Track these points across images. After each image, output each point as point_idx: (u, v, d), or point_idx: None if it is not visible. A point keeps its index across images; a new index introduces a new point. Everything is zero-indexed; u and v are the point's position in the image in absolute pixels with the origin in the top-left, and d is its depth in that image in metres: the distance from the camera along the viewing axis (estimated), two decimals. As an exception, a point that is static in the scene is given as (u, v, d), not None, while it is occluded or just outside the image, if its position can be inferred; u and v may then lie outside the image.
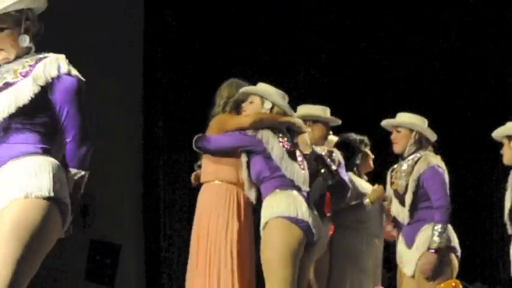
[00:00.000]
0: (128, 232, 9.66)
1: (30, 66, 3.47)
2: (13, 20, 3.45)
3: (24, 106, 3.38)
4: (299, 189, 5.30)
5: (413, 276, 5.53)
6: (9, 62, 3.48)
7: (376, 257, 6.16)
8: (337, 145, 6.25)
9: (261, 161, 5.32)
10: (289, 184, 5.27)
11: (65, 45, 9.64)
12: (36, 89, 3.41)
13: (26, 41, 3.50)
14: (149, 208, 9.54)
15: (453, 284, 4.86)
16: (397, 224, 5.82)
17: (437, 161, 5.70)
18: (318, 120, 5.92)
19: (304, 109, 5.97)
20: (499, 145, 5.71)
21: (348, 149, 6.21)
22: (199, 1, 9.66)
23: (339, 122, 6.01)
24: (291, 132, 5.50)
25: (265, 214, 5.25)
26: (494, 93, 9.32)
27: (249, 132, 5.36)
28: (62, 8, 10.21)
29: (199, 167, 5.81)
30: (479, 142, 9.26)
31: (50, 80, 3.47)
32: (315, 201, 5.62)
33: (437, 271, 5.39)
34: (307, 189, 5.36)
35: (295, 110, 5.86)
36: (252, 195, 5.42)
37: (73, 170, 3.69)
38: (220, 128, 5.57)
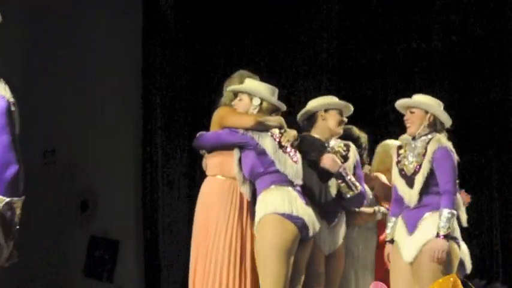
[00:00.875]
0: (127, 228, 9.66)
1: None
2: None
3: None
4: (292, 184, 5.29)
5: (411, 264, 5.43)
6: None
7: (370, 248, 6.15)
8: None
9: (253, 156, 5.33)
10: (284, 179, 5.29)
11: (64, 39, 9.70)
12: None
13: None
14: (148, 203, 9.53)
15: (451, 279, 4.84)
16: (397, 206, 5.66)
17: (449, 144, 5.57)
18: (328, 108, 5.84)
19: (311, 102, 5.94)
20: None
21: (356, 145, 6.16)
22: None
23: (351, 108, 5.92)
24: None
25: (260, 210, 5.26)
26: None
27: (241, 130, 5.36)
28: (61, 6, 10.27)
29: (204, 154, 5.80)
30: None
31: None
32: (326, 202, 5.60)
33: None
34: (300, 182, 5.35)
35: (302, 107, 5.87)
36: (246, 191, 5.41)
37: None
38: (219, 122, 5.56)
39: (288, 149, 5.38)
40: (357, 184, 5.60)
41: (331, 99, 5.90)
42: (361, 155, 6.08)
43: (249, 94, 5.49)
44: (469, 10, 9.06)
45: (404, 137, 5.74)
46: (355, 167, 5.77)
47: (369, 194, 6.03)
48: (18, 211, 3.39)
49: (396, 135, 6.08)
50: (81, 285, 9.84)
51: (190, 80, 9.70)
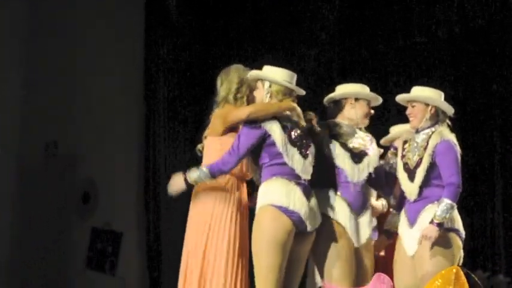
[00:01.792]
0: (129, 220, 9.66)
1: None
2: None
3: None
4: (298, 178, 5.27)
5: (412, 257, 5.41)
6: None
7: None
8: None
9: (261, 147, 5.31)
10: (288, 172, 5.25)
11: (66, 33, 9.69)
12: None
13: None
14: (151, 195, 9.52)
15: (454, 271, 4.82)
16: (401, 200, 5.63)
17: (452, 137, 5.55)
18: (359, 97, 5.77)
19: (342, 88, 5.85)
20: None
21: None
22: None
23: (380, 101, 5.86)
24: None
25: (259, 200, 5.26)
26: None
27: (253, 125, 5.33)
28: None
29: (200, 151, 5.75)
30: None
31: None
32: (357, 183, 5.59)
33: (438, 251, 5.28)
34: (307, 177, 5.32)
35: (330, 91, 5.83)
36: (257, 180, 5.43)
37: None
38: (223, 122, 5.52)
39: (299, 143, 5.34)
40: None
41: (363, 88, 5.81)
42: None
43: (261, 80, 5.46)
44: (471, 2, 9.04)
45: (405, 128, 5.73)
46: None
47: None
48: None
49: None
50: (83, 277, 9.84)
51: (193, 72, 9.68)
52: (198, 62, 9.65)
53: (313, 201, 5.30)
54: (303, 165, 5.29)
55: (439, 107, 5.54)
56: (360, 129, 5.70)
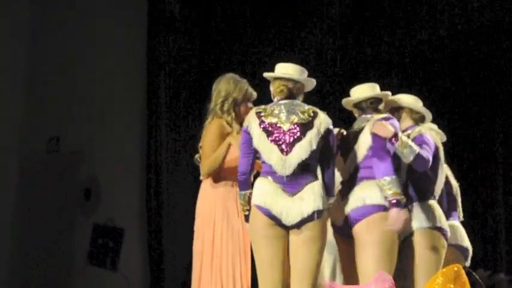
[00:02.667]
0: (131, 216, 9.66)
1: None
2: None
3: None
4: (281, 175, 5.28)
5: None
6: None
7: None
8: None
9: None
10: (269, 170, 5.31)
11: (69, 28, 9.68)
12: None
13: None
14: (152, 191, 9.53)
15: (455, 269, 4.83)
16: None
17: (430, 132, 5.63)
18: (413, 109, 5.80)
19: (404, 97, 5.84)
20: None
21: None
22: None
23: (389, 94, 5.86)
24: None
25: None
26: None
27: (243, 128, 5.41)
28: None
29: (198, 161, 5.79)
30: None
31: None
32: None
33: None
34: (286, 173, 5.27)
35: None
36: None
37: None
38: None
39: (281, 140, 5.31)
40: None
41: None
42: None
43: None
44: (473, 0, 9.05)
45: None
46: None
47: None
48: None
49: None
50: (85, 273, 9.85)
51: (195, 70, 9.69)
52: (200, 60, 9.66)
53: (302, 195, 5.27)
54: (281, 162, 5.27)
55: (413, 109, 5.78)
56: None
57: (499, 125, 9.24)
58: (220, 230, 5.55)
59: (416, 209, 5.49)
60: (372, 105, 5.59)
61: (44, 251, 10.02)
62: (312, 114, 5.31)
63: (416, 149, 5.34)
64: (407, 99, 5.79)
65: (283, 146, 5.27)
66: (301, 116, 5.31)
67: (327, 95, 8.40)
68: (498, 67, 9.17)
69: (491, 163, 9.23)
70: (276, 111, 5.34)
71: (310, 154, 5.25)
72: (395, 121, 5.50)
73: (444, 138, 5.88)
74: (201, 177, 5.71)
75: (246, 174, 5.38)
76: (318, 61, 9.27)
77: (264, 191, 5.29)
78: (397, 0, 9.32)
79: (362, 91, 5.62)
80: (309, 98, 5.58)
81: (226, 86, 5.71)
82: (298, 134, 5.28)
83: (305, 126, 5.28)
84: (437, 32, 9.20)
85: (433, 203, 5.55)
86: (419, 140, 5.47)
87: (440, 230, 5.49)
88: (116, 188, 9.77)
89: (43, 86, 10.35)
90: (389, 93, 5.68)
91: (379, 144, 5.37)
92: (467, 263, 5.65)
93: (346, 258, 5.50)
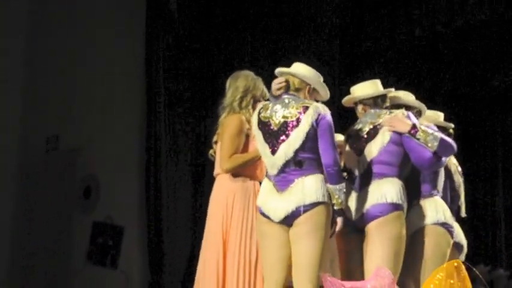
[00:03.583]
0: (130, 214, 9.67)
1: None
2: None
3: None
4: (273, 174, 5.29)
5: None
6: None
7: None
8: None
9: None
10: (267, 172, 5.35)
11: (68, 27, 9.67)
12: None
13: None
14: (152, 189, 9.54)
15: (455, 264, 4.83)
16: None
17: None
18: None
19: (410, 96, 5.83)
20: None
21: None
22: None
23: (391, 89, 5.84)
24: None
25: None
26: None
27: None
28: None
29: (213, 156, 5.78)
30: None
31: None
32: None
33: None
34: (274, 172, 5.24)
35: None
36: None
37: None
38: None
39: (271, 140, 5.31)
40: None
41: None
42: None
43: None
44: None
45: None
46: None
47: None
48: None
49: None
50: (84, 271, 9.85)
51: (194, 67, 9.70)
52: (199, 60, 9.68)
53: (291, 191, 5.23)
54: (270, 161, 5.27)
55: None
56: None
57: (499, 120, 9.26)
58: (241, 223, 5.55)
59: (422, 205, 5.48)
60: (381, 102, 5.54)
61: (43, 250, 10.03)
62: (300, 110, 5.24)
63: (438, 134, 5.29)
64: (400, 95, 5.75)
65: (272, 145, 5.27)
66: (291, 112, 5.26)
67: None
68: (497, 62, 9.19)
69: (491, 158, 9.24)
70: (272, 108, 5.32)
71: (297, 151, 5.20)
72: (410, 114, 5.44)
73: (451, 125, 5.89)
74: (219, 172, 5.66)
75: None
76: (318, 61, 9.28)
77: (262, 190, 5.33)
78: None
79: (366, 88, 5.56)
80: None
81: (245, 83, 5.68)
82: (286, 132, 5.24)
83: (292, 124, 5.24)
84: (434, 29, 9.22)
85: (438, 198, 5.55)
86: (433, 129, 5.45)
87: (445, 225, 5.48)
88: (115, 186, 9.78)
89: (42, 85, 10.36)
90: (392, 89, 5.65)
91: (397, 139, 5.35)
92: (462, 259, 5.62)
93: (347, 252, 5.44)
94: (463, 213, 5.96)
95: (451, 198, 5.77)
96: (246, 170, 5.59)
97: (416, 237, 5.45)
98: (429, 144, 5.26)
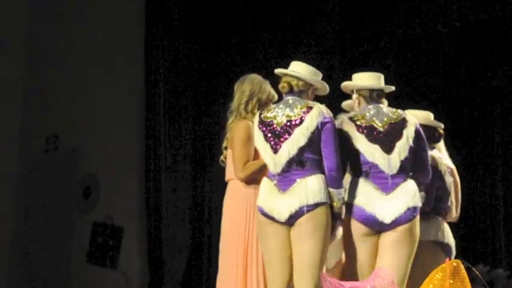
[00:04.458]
0: (130, 214, 9.67)
1: None
2: None
3: None
4: (275, 173, 5.31)
5: None
6: None
7: None
8: None
9: None
10: (269, 172, 5.37)
11: (67, 27, 9.65)
12: None
13: None
14: (152, 190, 9.53)
15: (455, 264, 4.84)
16: None
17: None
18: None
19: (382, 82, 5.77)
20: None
21: None
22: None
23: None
24: None
25: None
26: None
27: None
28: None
29: (224, 162, 5.79)
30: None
31: None
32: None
33: None
34: (277, 171, 5.27)
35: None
36: None
37: None
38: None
39: (272, 139, 5.32)
40: None
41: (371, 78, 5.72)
42: None
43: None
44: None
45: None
46: None
47: None
48: None
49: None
50: (85, 271, 9.86)
51: (193, 67, 9.69)
52: (199, 60, 9.67)
53: (294, 191, 5.25)
54: (272, 160, 5.29)
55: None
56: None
57: (498, 119, 9.25)
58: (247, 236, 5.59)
59: None
60: (376, 96, 5.52)
61: (43, 250, 10.02)
62: (304, 110, 5.28)
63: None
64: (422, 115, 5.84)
65: (273, 144, 5.29)
66: (295, 112, 5.29)
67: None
68: (496, 61, 9.19)
69: (490, 158, 9.24)
70: (275, 109, 5.35)
71: (300, 151, 5.23)
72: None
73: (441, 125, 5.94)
74: (232, 177, 5.67)
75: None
76: (319, 60, 9.28)
77: (262, 190, 5.34)
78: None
79: (366, 79, 5.55)
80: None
81: (250, 86, 5.70)
82: (289, 131, 5.27)
83: (295, 123, 5.26)
84: (434, 27, 9.22)
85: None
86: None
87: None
88: (115, 186, 9.78)
89: (42, 85, 10.36)
90: (393, 87, 5.63)
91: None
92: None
93: (358, 254, 5.38)
94: (454, 214, 5.96)
95: (439, 198, 5.78)
96: (260, 175, 5.58)
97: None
98: None
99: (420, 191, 5.39)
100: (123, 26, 9.85)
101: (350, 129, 5.41)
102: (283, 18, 9.47)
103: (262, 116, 5.37)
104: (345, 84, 5.61)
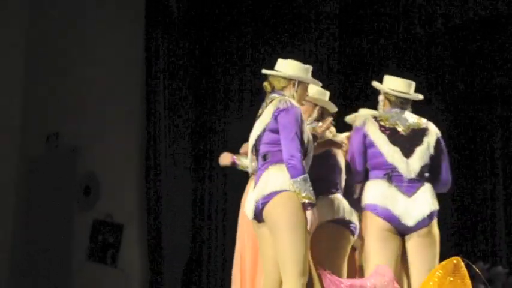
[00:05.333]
0: (130, 212, 9.68)
1: None
2: None
3: None
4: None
5: None
6: None
7: None
8: None
9: None
10: None
11: (68, 24, 9.67)
12: None
13: None
14: (151, 188, 9.54)
15: (455, 262, 4.85)
16: None
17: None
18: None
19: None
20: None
21: None
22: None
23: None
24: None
25: None
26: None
27: None
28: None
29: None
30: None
31: None
32: None
33: None
34: (254, 167, 5.30)
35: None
36: None
37: None
38: None
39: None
40: None
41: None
42: None
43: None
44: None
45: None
46: None
47: None
48: None
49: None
50: (85, 268, 9.87)
51: (193, 66, 9.71)
52: (199, 59, 9.69)
53: (256, 187, 5.22)
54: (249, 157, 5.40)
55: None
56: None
57: (498, 119, 9.26)
58: None
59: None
60: (403, 102, 5.55)
61: (43, 248, 10.03)
62: (267, 106, 5.25)
63: None
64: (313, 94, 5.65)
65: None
66: (264, 109, 5.27)
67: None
68: (497, 59, 9.19)
69: (490, 156, 9.25)
70: (260, 109, 5.33)
71: (258, 142, 5.20)
72: None
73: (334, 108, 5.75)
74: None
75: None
76: (316, 59, 9.29)
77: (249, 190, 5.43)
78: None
79: (398, 85, 5.58)
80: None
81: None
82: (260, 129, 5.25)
83: (261, 120, 5.24)
84: (435, 26, 9.22)
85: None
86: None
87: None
88: (115, 184, 9.79)
89: (42, 83, 10.36)
90: (421, 96, 5.64)
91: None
92: (355, 238, 5.47)
93: (380, 254, 5.33)
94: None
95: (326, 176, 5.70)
96: None
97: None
98: None
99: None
100: (123, 26, 9.85)
101: (373, 128, 5.44)
102: (283, 18, 9.48)
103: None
104: (375, 85, 5.66)
